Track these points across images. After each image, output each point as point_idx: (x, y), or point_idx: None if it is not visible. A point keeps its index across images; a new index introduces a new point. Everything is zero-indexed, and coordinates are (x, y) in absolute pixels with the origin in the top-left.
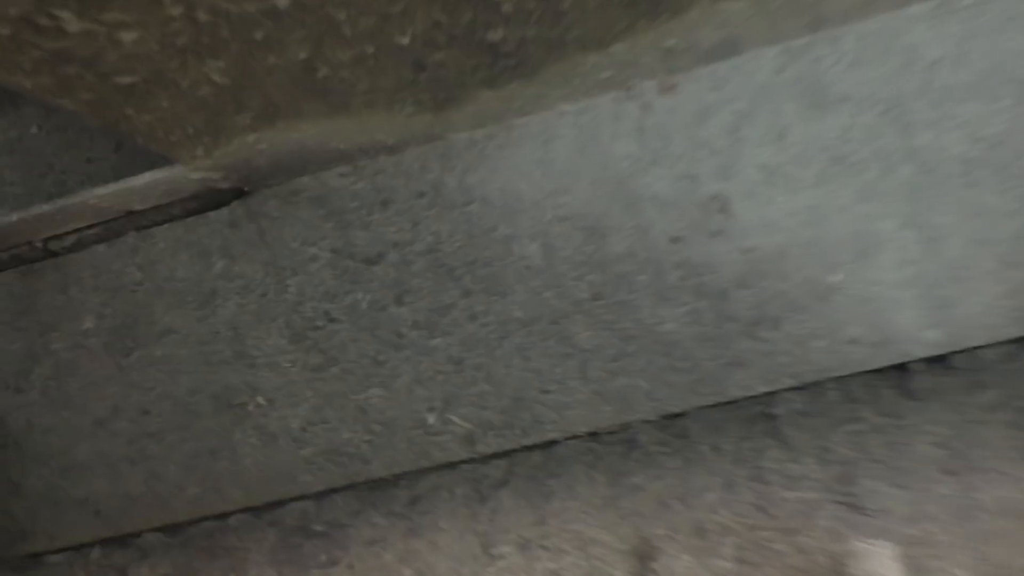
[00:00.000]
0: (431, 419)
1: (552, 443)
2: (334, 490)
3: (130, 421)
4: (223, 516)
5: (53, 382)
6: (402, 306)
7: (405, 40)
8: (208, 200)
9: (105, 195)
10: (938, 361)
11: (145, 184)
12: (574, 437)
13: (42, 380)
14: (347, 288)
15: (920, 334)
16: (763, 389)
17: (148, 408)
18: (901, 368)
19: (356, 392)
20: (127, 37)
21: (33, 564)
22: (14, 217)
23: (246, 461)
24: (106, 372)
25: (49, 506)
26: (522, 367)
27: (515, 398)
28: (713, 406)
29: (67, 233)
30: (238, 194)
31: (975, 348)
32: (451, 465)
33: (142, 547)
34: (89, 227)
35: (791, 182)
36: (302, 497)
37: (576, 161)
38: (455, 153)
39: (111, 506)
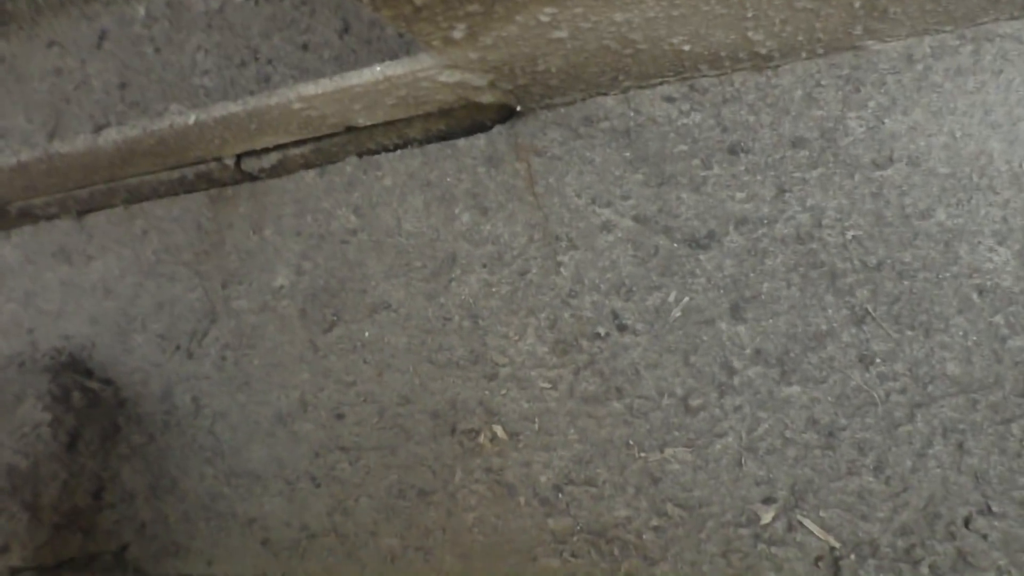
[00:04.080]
0: (767, 517)
1: None
2: None
3: (319, 425)
4: None
5: (231, 352)
6: (740, 322)
7: None
8: (462, 121)
9: (314, 97)
10: None
11: (371, 84)
12: None
13: (219, 347)
14: (653, 281)
15: None
16: None
17: (344, 411)
18: None
19: (647, 448)
20: None
21: None
22: (191, 119)
23: (468, 517)
24: (296, 350)
25: (209, 518)
26: (948, 463)
27: (928, 513)
28: None
29: (266, 150)
30: (505, 115)
31: None
32: None
33: None
34: (295, 144)
35: None
36: None
37: None
38: (873, 76)
39: (283, 537)
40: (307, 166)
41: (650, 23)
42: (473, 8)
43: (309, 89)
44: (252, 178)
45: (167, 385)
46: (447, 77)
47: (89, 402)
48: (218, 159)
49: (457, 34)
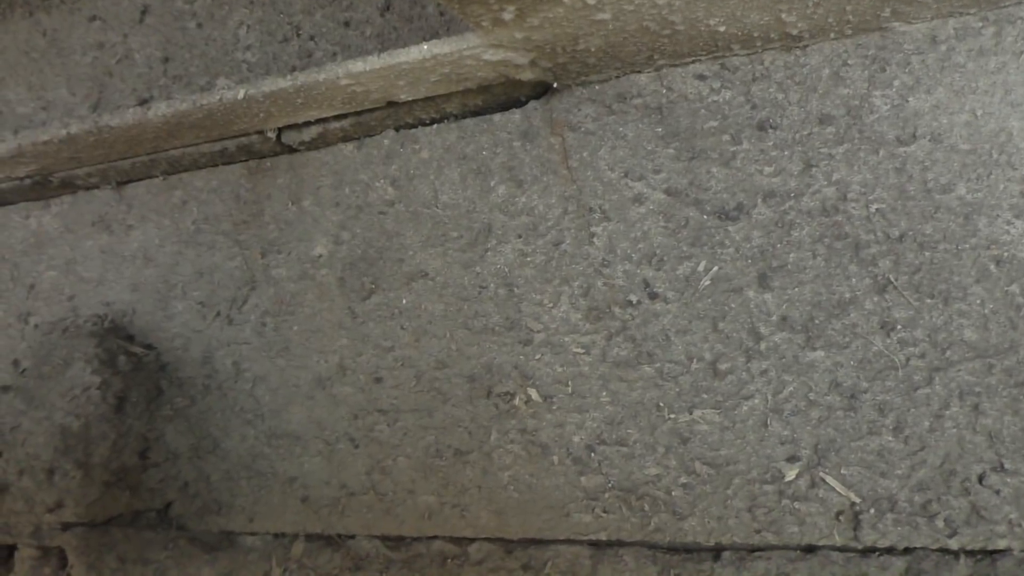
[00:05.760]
0: (791, 474)
1: (999, 553)
2: (622, 543)
3: (358, 388)
4: (463, 541)
5: (271, 319)
6: (767, 290)
7: None
8: (498, 96)
9: (361, 74)
10: None
11: (418, 62)
12: None
13: (259, 313)
14: (684, 251)
15: None
16: None
17: (382, 375)
18: None
19: (677, 410)
20: None
21: (225, 543)
22: (241, 93)
23: (503, 475)
24: (335, 316)
25: (250, 477)
26: (964, 423)
27: (943, 470)
28: None
29: (308, 124)
30: (540, 91)
31: None
32: (811, 550)
33: (355, 554)
34: (336, 118)
35: None
36: (574, 542)
37: None
38: (898, 57)
39: (323, 495)
40: (346, 139)
41: (689, 5)
42: None
43: (357, 66)
44: (291, 150)
45: (208, 350)
46: (491, 55)
47: (134, 366)
48: (260, 132)
49: (507, 16)
